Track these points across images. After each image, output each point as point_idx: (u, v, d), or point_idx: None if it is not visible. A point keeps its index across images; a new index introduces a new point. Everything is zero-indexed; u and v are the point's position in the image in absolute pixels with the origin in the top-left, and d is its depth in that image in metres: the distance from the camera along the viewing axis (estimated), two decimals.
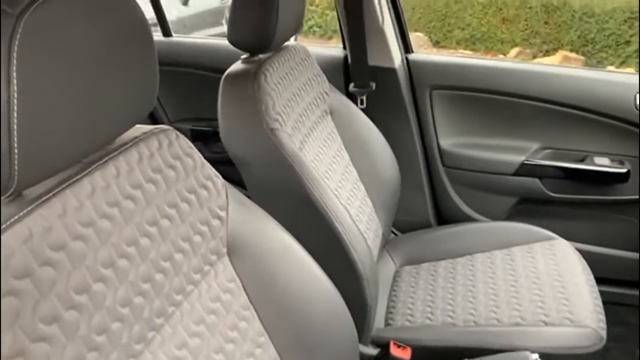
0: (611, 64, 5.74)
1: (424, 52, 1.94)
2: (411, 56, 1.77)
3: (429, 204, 1.80)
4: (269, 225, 0.83)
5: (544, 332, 1.13)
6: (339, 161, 1.36)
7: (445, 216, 1.81)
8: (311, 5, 6.36)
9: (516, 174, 1.66)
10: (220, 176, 0.78)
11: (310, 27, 6.97)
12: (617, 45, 5.85)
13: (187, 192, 0.71)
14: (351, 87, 1.72)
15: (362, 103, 1.68)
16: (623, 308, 1.65)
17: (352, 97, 1.65)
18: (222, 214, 0.75)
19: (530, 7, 6.29)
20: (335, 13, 2.15)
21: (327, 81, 1.40)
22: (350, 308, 0.89)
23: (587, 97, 1.58)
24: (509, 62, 3.51)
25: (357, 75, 1.70)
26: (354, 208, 1.30)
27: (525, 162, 1.65)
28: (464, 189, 1.77)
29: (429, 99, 1.72)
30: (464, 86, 1.70)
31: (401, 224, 1.68)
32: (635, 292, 1.66)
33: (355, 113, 1.46)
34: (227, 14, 1.32)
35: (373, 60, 1.69)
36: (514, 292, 1.25)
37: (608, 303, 1.27)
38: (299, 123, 1.20)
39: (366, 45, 1.65)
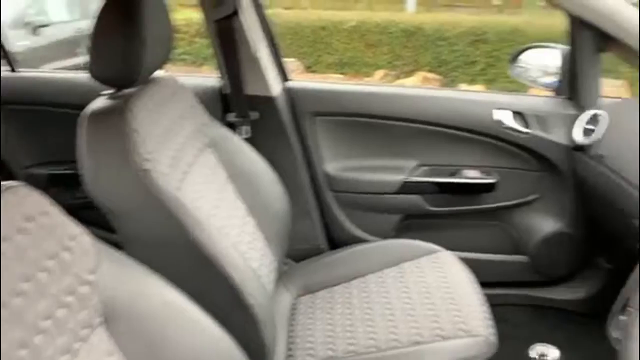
0: (462, 82, 6.36)
1: (302, 79, 1.93)
2: (290, 84, 1.76)
3: (319, 230, 1.79)
4: (150, 283, 0.73)
5: (441, 347, 1.15)
6: (225, 197, 1.29)
7: (337, 240, 1.81)
8: (178, 32, 6.22)
9: (399, 192, 1.72)
10: (87, 232, 0.67)
11: (180, 54, 6.78)
12: (466, 64, 6.52)
13: (46, 258, 0.59)
14: (231, 117, 1.66)
15: (246, 133, 1.63)
16: (510, 308, 1.77)
17: (233, 127, 1.60)
18: (92, 278, 0.64)
19: (390, 32, 6.76)
20: (204, 40, 2.06)
21: (204, 113, 1.33)
22: (249, 354, 0.83)
23: (452, 116, 1.69)
24: (380, 86, 3.70)
25: (235, 105, 1.65)
26: (245, 244, 1.24)
27: (406, 180, 1.72)
28: (352, 211, 1.79)
29: (311, 126, 1.73)
30: (341, 112, 1.73)
31: (295, 253, 1.64)
32: (519, 292, 1.81)
33: (238, 144, 1.40)
34: (85, 43, 1.19)
35: (252, 89, 1.65)
36: (410, 310, 1.27)
37: (496, 305, 1.34)
38: (175, 161, 1.11)
39: (242, 75, 1.61)
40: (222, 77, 1.69)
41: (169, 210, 0.95)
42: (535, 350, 0.84)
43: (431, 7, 7.82)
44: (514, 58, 1.79)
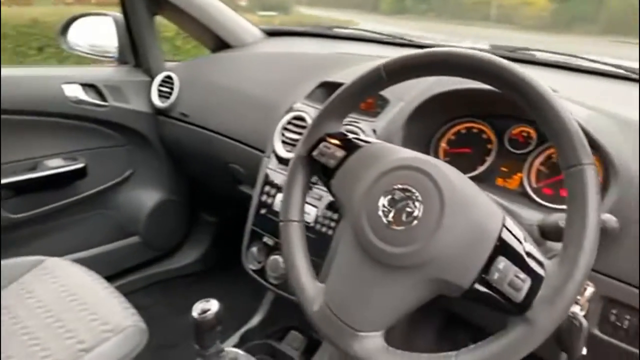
0: None
1: None
2: None
3: None
4: None
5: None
6: None
7: None
8: None
9: None
10: None
11: None
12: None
13: None
14: None
15: None
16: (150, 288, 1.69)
17: None
18: None
19: None
20: None
21: None
22: None
23: (17, 98, 1.38)
24: None
25: None
26: None
27: None
28: None
29: None
30: None
31: None
32: (147, 273, 1.72)
33: None
34: None
35: None
36: (32, 341, 0.99)
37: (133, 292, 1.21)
38: None
39: None
40: None
41: None
42: (197, 309, 0.79)
43: None
44: (64, 30, 1.61)
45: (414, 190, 0.60)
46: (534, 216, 0.69)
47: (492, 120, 0.94)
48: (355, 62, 1.21)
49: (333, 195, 0.71)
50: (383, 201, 0.61)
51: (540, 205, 0.85)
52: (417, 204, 0.59)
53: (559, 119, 0.54)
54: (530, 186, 0.88)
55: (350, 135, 0.72)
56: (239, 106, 1.37)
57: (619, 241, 0.71)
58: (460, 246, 0.57)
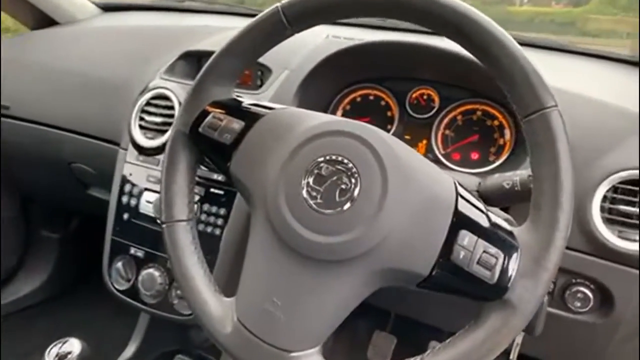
0: None
1: None
2: None
3: None
4: None
5: None
6: None
7: None
8: None
9: None
10: None
11: None
12: None
13: None
14: None
15: None
16: None
17: None
18: None
19: None
20: None
21: None
22: None
23: None
24: None
25: None
26: None
27: None
28: None
29: None
30: None
31: None
32: None
33: None
34: None
35: None
36: None
37: None
38: None
39: None
40: None
41: None
42: (51, 355, 0.58)
43: None
44: None
45: (346, 162, 0.46)
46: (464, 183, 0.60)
47: (390, 84, 0.85)
48: (217, 33, 1.04)
49: (233, 181, 0.54)
50: (307, 179, 0.47)
51: (455, 171, 0.77)
52: (352, 179, 0.46)
53: (512, 58, 0.45)
54: (440, 152, 0.80)
55: (247, 102, 0.56)
56: (78, 91, 1.10)
57: None
58: (412, 225, 0.45)
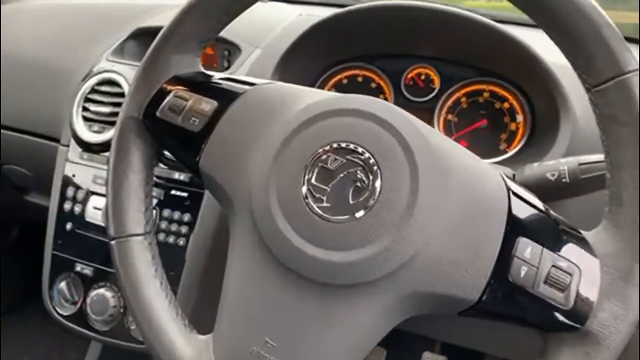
0: None
1: None
2: None
3: None
4: None
5: None
6: None
7: None
8: None
9: None
10: None
11: None
12: None
13: None
14: None
15: None
16: None
17: None
18: None
19: None
20: None
21: None
22: None
23: None
24: None
25: None
26: None
27: None
28: None
29: None
30: None
31: None
32: None
33: None
34: None
35: None
36: None
37: None
38: None
39: None
40: None
41: None
42: None
43: None
44: None
45: (361, 151, 0.34)
46: None
47: (382, 63, 0.73)
48: (170, 9, 0.89)
49: (204, 180, 0.41)
50: (308, 175, 0.34)
51: None
52: (369, 174, 0.34)
53: (578, 9, 0.33)
54: None
55: (218, 76, 0.43)
56: (9, 79, 0.93)
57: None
58: (452, 235, 0.33)
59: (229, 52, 0.77)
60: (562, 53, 0.35)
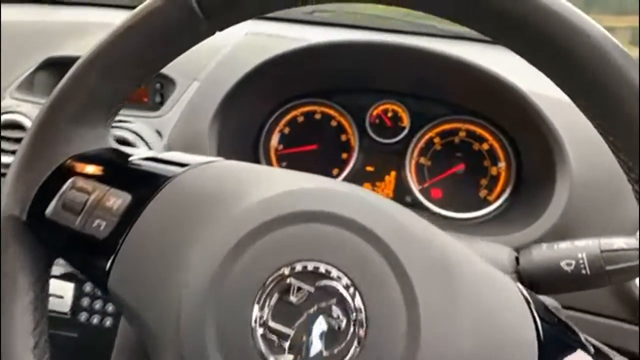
0: None
1: None
2: None
3: None
4: None
5: None
6: None
7: None
8: None
9: None
10: None
11: None
12: None
13: None
14: None
15: None
16: None
17: None
18: None
19: None
20: None
21: None
22: None
23: None
24: None
25: None
26: None
27: None
28: None
29: None
30: None
31: None
32: None
33: None
34: None
35: None
36: None
37: None
38: None
39: None
40: None
41: None
42: None
43: None
44: None
45: (335, 274, 0.24)
46: (494, 258, 0.39)
47: (342, 98, 0.63)
48: (94, 31, 0.76)
49: (115, 304, 0.29)
50: (261, 311, 0.24)
51: (442, 217, 0.58)
52: (347, 308, 0.23)
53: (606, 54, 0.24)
54: (415, 188, 0.60)
55: (138, 155, 0.32)
56: None
57: None
58: None
59: (162, 85, 0.65)
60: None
